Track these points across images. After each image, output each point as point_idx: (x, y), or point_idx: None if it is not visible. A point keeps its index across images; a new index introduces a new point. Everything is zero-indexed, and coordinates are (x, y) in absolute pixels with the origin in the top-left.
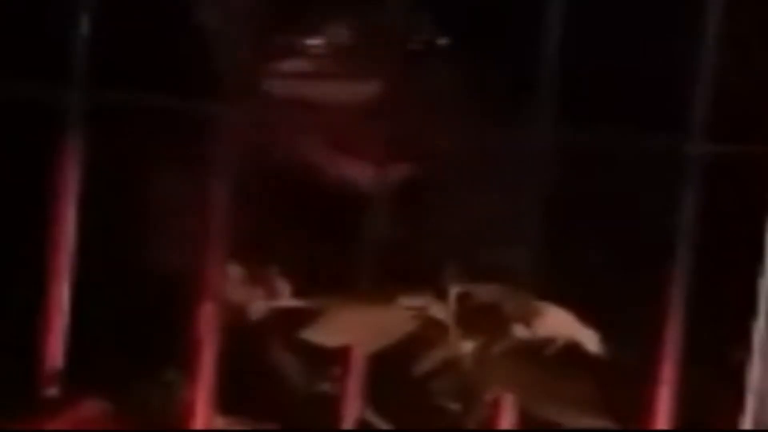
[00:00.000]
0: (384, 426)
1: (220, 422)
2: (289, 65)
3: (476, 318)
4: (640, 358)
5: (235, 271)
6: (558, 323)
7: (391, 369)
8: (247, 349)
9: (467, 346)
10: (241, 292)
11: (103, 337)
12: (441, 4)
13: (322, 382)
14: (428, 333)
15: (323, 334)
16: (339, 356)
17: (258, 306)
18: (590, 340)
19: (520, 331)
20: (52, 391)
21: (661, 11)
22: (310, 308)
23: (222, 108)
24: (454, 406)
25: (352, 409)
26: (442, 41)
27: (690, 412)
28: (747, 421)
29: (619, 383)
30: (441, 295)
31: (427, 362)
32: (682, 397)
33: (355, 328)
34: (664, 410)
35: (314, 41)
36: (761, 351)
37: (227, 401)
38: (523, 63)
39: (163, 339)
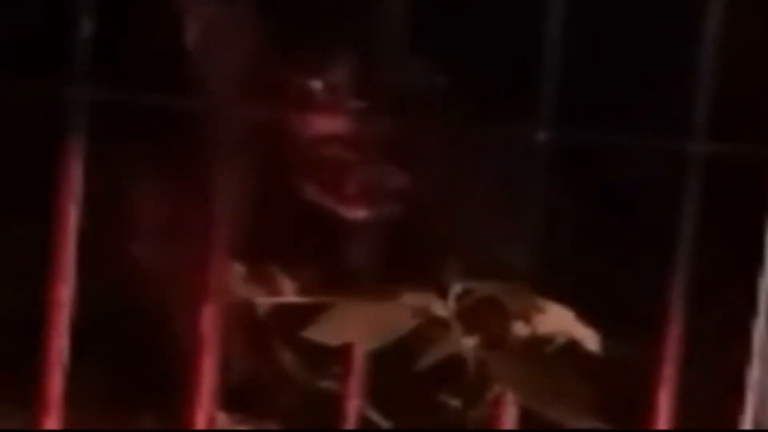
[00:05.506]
0: (385, 423)
1: (222, 419)
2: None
3: (477, 315)
4: (640, 358)
5: (238, 269)
6: (558, 321)
7: (392, 367)
8: (250, 347)
9: (468, 343)
10: (244, 290)
11: (104, 337)
12: (442, 8)
13: (324, 380)
14: (429, 330)
15: (325, 333)
16: (340, 354)
17: (261, 304)
18: (590, 339)
19: (520, 329)
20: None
21: (661, 11)
22: (312, 306)
23: (225, 107)
24: (455, 403)
25: (354, 406)
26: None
27: (690, 412)
28: (747, 421)
29: (619, 383)
30: (442, 293)
31: (429, 359)
32: (682, 397)
33: (357, 326)
34: (664, 410)
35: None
36: (761, 351)
37: (229, 398)
38: (523, 63)
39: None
